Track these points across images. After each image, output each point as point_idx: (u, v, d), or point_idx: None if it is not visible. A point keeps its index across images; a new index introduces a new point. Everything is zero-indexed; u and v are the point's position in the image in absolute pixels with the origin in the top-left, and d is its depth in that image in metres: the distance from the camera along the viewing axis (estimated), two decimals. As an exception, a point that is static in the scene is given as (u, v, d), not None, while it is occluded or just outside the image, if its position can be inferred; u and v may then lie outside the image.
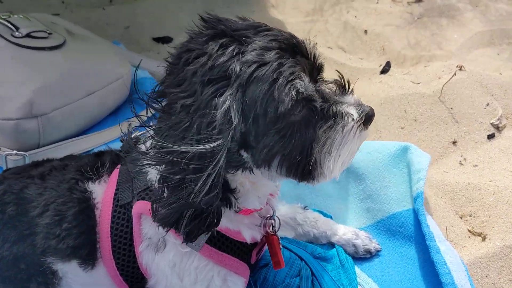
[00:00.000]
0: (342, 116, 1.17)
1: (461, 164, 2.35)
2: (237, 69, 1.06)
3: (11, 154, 2.07)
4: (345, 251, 1.78)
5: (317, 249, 1.75)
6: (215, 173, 1.05)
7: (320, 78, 1.21)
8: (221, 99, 1.05)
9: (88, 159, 1.52)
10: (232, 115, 1.05)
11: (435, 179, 2.18)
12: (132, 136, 1.44)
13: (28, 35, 2.31)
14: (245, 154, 1.17)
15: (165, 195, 1.10)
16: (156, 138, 1.10)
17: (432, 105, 2.63)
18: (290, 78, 1.08)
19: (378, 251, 1.82)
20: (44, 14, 2.90)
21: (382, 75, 3.07)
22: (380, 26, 3.57)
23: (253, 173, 1.22)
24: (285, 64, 1.08)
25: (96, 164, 1.45)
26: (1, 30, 2.29)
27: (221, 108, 1.04)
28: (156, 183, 1.11)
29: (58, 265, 1.40)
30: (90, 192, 1.42)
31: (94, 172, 1.44)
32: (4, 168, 2.06)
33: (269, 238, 1.45)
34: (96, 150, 1.77)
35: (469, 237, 1.95)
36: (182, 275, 1.35)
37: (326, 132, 1.16)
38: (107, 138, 2.35)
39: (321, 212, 1.92)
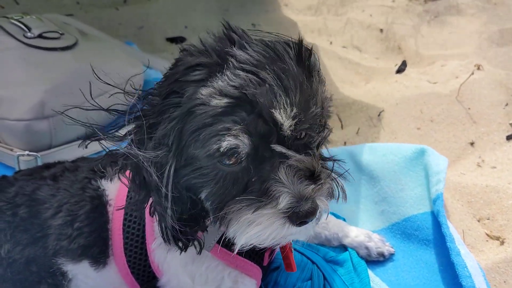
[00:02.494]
0: (269, 197, 1.04)
1: (479, 165, 2.29)
2: (192, 95, 1.04)
3: (23, 155, 2.06)
4: (358, 254, 1.74)
5: (329, 253, 1.72)
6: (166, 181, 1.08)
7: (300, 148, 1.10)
8: (170, 117, 1.06)
9: (101, 159, 1.50)
10: (171, 137, 1.07)
11: (452, 181, 2.13)
12: None
13: (40, 36, 2.31)
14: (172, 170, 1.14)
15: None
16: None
17: (449, 105, 2.58)
18: (221, 133, 1.01)
19: (392, 254, 1.78)
20: (56, 14, 2.90)
21: (398, 75, 3.02)
22: (396, 25, 3.52)
23: None
24: (230, 115, 1.01)
25: (109, 163, 1.42)
26: (13, 31, 2.30)
27: (166, 124, 1.06)
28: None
29: (68, 266, 1.40)
30: (103, 189, 1.42)
31: (107, 171, 1.42)
32: (17, 169, 2.06)
33: (287, 251, 1.43)
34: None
35: (487, 241, 1.90)
36: (193, 275, 1.34)
37: (245, 201, 1.06)
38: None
39: (334, 215, 1.88)
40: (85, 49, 2.40)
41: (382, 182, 2.00)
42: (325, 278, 1.60)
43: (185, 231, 1.13)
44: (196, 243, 1.19)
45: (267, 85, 1.00)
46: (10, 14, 2.44)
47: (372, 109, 2.64)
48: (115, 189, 1.41)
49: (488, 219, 1.98)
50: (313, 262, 1.64)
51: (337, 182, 1.16)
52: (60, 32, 2.38)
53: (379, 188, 2.00)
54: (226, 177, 1.07)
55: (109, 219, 1.39)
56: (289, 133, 1.04)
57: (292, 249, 1.46)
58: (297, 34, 3.23)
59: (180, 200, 1.12)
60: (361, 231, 1.80)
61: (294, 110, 1.02)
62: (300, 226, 1.06)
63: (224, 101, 1.00)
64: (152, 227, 1.35)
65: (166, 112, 1.06)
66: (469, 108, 2.56)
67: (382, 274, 1.71)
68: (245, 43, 1.07)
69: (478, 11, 3.48)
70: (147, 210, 1.31)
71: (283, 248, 1.43)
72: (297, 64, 1.08)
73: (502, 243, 1.87)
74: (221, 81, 1.01)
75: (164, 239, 1.16)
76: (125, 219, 1.37)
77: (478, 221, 1.98)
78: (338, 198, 1.18)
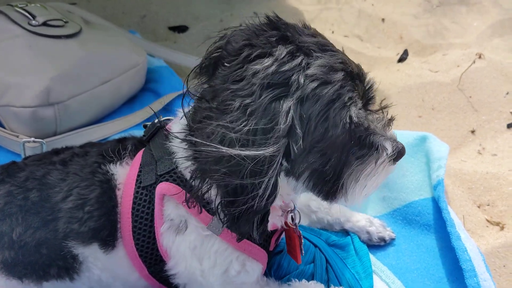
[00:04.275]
0: (377, 148, 1.19)
1: (479, 153, 2.31)
2: (301, 80, 1.07)
3: (28, 141, 2.09)
4: (359, 238, 1.77)
5: (331, 237, 1.75)
6: (274, 177, 1.07)
7: (369, 107, 1.25)
8: (284, 106, 1.05)
9: (110, 144, 1.53)
10: (296, 125, 1.07)
11: (453, 168, 2.15)
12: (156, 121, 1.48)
13: (44, 24, 2.32)
14: (284, 164, 1.17)
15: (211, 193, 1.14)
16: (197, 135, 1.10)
17: (450, 93, 2.59)
18: (348, 103, 1.10)
19: (393, 239, 1.80)
20: (61, 3, 2.91)
21: (400, 64, 3.03)
22: (398, 14, 3.52)
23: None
24: (345, 87, 1.11)
25: (118, 148, 1.47)
26: (18, 18, 2.31)
27: (283, 116, 1.05)
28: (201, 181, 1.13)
29: (79, 249, 1.41)
30: (112, 174, 1.43)
31: (116, 155, 1.44)
32: (22, 155, 2.08)
33: (289, 231, 1.46)
34: (114, 137, 1.78)
35: (487, 226, 1.93)
36: (202, 258, 1.36)
37: (359, 160, 1.18)
38: (123, 126, 2.35)
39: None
40: (90, 37, 2.41)
41: (383, 169, 2.02)
42: (327, 261, 1.62)
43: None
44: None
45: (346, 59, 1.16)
46: (15, 2, 2.45)
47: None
48: (124, 174, 1.42)
49: (488, 205, 2.01)
50: (315, 246, 1.66)
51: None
52: (64, 20, 2.40)
53: (381, 174, 2.02)
54: (347, 141, 1.14)
55: (117, 203, 1.40)
56: (370, 94, 1.22)
57: (302, 242, 1.49)
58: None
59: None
60: (363, 216, 1.83)
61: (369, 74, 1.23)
62: (395, 164, 1.27)
63: (340, 74, 1.10)
64: (161, 211, 1.36)
65: (270, 105, 1.06)
66: (470, 97, 2.57)
67: (383, 258, 1.74)
68: (294, 30, 1.16)
69: (479, 1, 3.48)
70: (157, 193, 1.35)
71: (290, 238, 1.47)
72: None
73: (502, 228, 1.90)
74: (322, 60, 1.10)
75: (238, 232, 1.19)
76: (134, 202, 1.38)
77: (478, 207, 2.01)
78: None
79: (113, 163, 1.44)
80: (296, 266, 1.59)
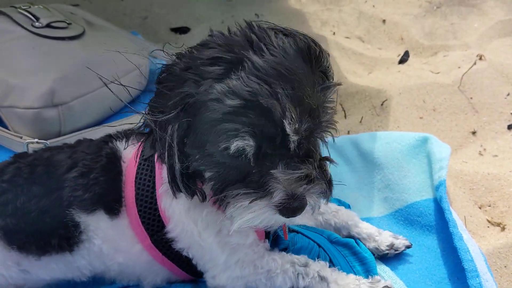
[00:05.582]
0: (265, 191, 1.16)
1: (480, 154, 2.33)
2: (206, 87, 1.12)
3: (32, 142, 2.10)
4: (366, 246, 1.73)
5: (333, 234, 1.74)
6: (168, 139, 1.19)
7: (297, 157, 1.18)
8: (179, 95, 1.16)
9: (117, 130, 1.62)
10: (181, 113, 1.17)
11: (454, 169, 2.17)
12: None
13: (48, 25, 2.34)
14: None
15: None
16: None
17: (451, 95, 2.61)
18: (229, 133, 1.10)
19: (408, 247, 1.73)
20: (63, 4, 2.92)
21: (401, 65, 3.05)
22: (398, 16, 3.54)
23: None
24: (240, 116, 1.09)
25: (126, 130, 1.55)
26: (22, 20, 2.33)
27: (176, 99, 1.16)
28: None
29: (82, 217, 1.44)
30: (118, 149, 1.51)
31: (123, 135, 1.53)
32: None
33: None
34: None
35: (488, 227, 1.94)
36: (196, 220, 1.41)
37: (245, 190, 1.18)
38: (125, 128, 2.36)
39: (338, 200, 1.92)
40: (92, 38, 2.43)
41: (385, 170, 2.03)
42: (331, 260, 1.63)
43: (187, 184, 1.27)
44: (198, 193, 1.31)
45: (279, 95, 1.07)
46: (18, 3, 2.46)
47: (375, 99, 2.67)
48: (129, 150, 1.48)
49: (489, 206, 2.02)
50: (319, 246, 1.67)
51: (328, 182, 1.25)
52: (68, 22, 2.41)
53: (383, 175, 2.03)
54: (230, 166, 1.18)
55: (122, 171, 1.47)
56: (295, 139, 1.12)
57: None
58: (300, 24, 3.25)
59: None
60: (372, 226, 1.77)
61: (303, 122, 1.11)
62: (288, 218, 1.19)
63: (236, 102, 1.08)
64: (161, 174, 1.42)
65: (180, 93, 1.16)
66: (471, 98, 2.59)
67: (385, 259, 1.75)
68: (263, 46, 1.13)
69: (480, 2, 3.50)
70: (157, 157, 1.39)
71: None
72: (309, 71, 1.17)
73: (503, 229, 1.91)
74: (236, 81, 1.09)
75: (171, 188, 1.28)
76: (137, 172, 1.45)
77: (480, 207, 2.02)
78: (328, 197, 1.27)
79: (119, 141, 1.51)
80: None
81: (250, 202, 1.16)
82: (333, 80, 1.27)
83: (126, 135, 1.52)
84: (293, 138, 1.11)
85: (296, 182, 1.15)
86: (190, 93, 1.14)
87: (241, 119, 1.08)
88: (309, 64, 1.18)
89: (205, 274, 1.50)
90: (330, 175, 1.28)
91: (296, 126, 1.09)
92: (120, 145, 1.51)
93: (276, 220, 1.21)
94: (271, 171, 1.15)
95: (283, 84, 1.08)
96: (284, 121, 1.08)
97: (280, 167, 1.15)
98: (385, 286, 1.48)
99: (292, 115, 1.08)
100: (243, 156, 1.14)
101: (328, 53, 1.26)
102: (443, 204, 1.77)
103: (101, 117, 2.40)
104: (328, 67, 1.26)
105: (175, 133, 1.19)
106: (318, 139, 1.23)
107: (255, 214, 1.18)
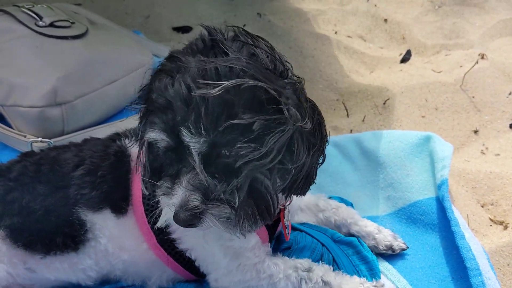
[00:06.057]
0: (172, 188, 1.20)
1: (482, 153, 2.33)
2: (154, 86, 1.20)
3: (36, 141, 2.10)
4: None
5: (337, 233, 1.75)
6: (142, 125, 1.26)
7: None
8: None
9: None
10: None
11: (456, 168, 2.17)
12: None
13: (51, 25, 2.34)
14: None
15: None
16: None
17: (453, 93, 2.61)
18: (150, 124, 1.19)
19: (403, 249, 1.73)
20: (66, 3, 2.92)
21: (403, 64, 3.05)
22: (400, 15, 3.54)
23: None
24: (159, 113, 1.16)
25: (133, 129, 1.55)
26: (25, 19, 2.33)
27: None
28: None
29: (88, 215, 1.45)
30: (126, 147, 1.51)
31: (131, 134, 1.53)
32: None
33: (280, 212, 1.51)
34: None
35: (491, 225, 1.95)
36: None
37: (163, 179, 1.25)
38: (128, 127, 2.37)
39: (341, 199, 1.92)
40: (96, 37, 2.43)
41: (388, 168, 2.04)
42: (334, 260, 1.64)
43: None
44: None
45: (192, 107, 1.10)
46: (21, 2, 2.47)
47: (377, 98, 2.68)
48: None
49: (492, 204, 2.02)
50: (322, 245, 1.68)
51: (223, 212, 1.19)
52: (71, 21, 2.41)
53: (385, 174, 2.04)
54: (156, 157, 1.27)
55: (131, 169, 1.48)
56: (196, 148, 1.13)
57: (285, 216, 1.54)
58: (302, 23, 3.26)
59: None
60: (372, 224, 1.78)
61: (204, 135, 1.11)
62: (184, 227, 1.21)
63: (160, 100, 1.15)
64: None
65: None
66: (473, 97, 2.59)
67: (389, 257, 1.75)
68: (207, 57, 1.18)
69: (482, 1, 3.50)
70: None
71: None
72: (239, 103, 1.12)
73: (506, 227, 1.92)
74: (168, 84, 1.15)
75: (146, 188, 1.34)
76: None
77: (482, 206, 2.03)
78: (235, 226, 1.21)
79: (128, 139, 1.52)
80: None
81: (161, 194, 1.23)
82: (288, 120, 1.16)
83: (134, 133, 1.52)
84: (193, 148, 1.12)
85: (195, 193, 1.16)
86: (151, 88, 1.22)
87: (161, 115, 1.15)
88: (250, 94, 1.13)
89: (208, 277, 1.51)
90: (257, 203, 1.20)
91: (196, 138, 1.11)
92: (129, 142, 1.51)
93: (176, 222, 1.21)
94: (179, 174, 1.18)
95: (204, 98, 1.09)
96: (182, 128, 1.11)
97: (189, 174, 1.16)
98: None
99: (194, 127, 1.10)
100: (160, 147, 1.20)
101: (285, 97, 1.17)
102: (445, 203, 1.77)
103: (104, 116, 2.40)
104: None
105: (141, 124, 1.27)
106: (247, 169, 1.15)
107: (164, 209, 1.25)
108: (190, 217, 1.16)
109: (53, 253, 1.46)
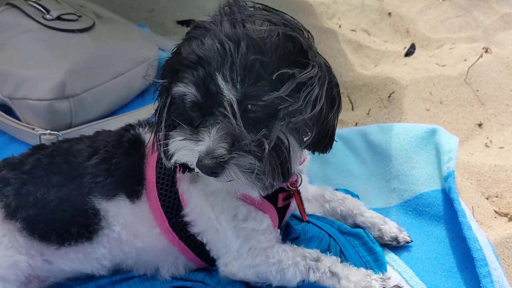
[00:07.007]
0: (197, 136, 1.22)
1: (487, 146, 2.35)
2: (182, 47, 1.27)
3: (44, 134, 2.12)
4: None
5: (343, 224, 1.78)
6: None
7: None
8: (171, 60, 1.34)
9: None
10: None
11: (461, 161, 2.19)
12: None
13: (58, 18, 2.34)
14: None
15: None
16: None
17: (457, 87, 2.63)
18: (181, 79, 1.23)
19: (408, 242, 1.75)
20: (71, -3, 2.93)
21: (407, 58, 3.07)
22: (405, 8, 3.55)
23: None
24: (190, 69, 1.21)
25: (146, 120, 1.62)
26: (32, 12, 2.34)
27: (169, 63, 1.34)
28: None
29: (102, 203, 1.47)
30: (140, 135, 1.56)
31: (145, 123, 1.59)
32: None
33: (294, 194, 1.55)
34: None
35: (496, 217, 1.97)
36: (213, 205, 1.46)
37: (183, 129, 1.27)
38: (135, 119, 2.38)
39: (347, 191, 1.94)
40: (102, 31, 2.44)
41: (394, 161, 2.05)
42: (341, 251, 1.66)
43: None
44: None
45: (228, 57, 1.15)
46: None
47: (382, 91, 2.69)
48: (151, 137, 1.49)
49: (496, 196, 2.04)
50: (330, 236, 1.70)
51: (248, 163, 1.20)
52: (78, 14, 2.42)
53: (391, 166, 2.05)
54: (180, 110, 1.30)
55: (145, 155, 1.51)
56: (228, 99, 1.16)
57: (302, 200, 1.58)
58: (306, 17, 3.27)
59: None
60: (378, 215, 1.80)
61: (238, 84, 1.15)
62: (210, 176, 1.21)
63: (191, 57, 1.21)
64: None
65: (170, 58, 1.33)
66: (477, 90, 2.61)
67: (395, 249, 1.77)
68: (238, 18, 1.21)
69: (486, -5, 3.51)
70: None
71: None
72: (271, 55, 1.18)
73: (510, 219, 1.94)
74: (199, 43, 1.21)
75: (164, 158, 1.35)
76: (159, 155, 1.46)
77: (487, 198, 2.05)
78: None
79: (142, 127, 1.57)
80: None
81: (181, 140, 1.24)
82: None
83: (148, 123, 1.57)
84: (227, 95, 1.16)
85: (222, 142, 1.17)
86: (179, 51, 1.27)
87: (191, 71, 1.20)
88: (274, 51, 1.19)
89: (218, 261, 1.53)
90: (280, 158, 1.23)
91: (230, 86, 1.15)
92: (142, 131, 1.55)
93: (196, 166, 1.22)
94: (207, 124, 1.20)
95: (237, 48, 1.16)
96: (218, 74, 1.15)
97: (217, 124, 1.18)
98: (395, 286, 1.50)
99: (228, 75, 1.15)
100: (187, 101, 1.24)
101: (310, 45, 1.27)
102: (452, 194, 1.79)
103: (112, 108, 2.42)
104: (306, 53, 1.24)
105: (161, 97, 1.33)
106: (274, 122, 1.20)
107: (186, 152, 1.24)
108: (215, 165, 1.16)
109: (68, 243, 1.48)
